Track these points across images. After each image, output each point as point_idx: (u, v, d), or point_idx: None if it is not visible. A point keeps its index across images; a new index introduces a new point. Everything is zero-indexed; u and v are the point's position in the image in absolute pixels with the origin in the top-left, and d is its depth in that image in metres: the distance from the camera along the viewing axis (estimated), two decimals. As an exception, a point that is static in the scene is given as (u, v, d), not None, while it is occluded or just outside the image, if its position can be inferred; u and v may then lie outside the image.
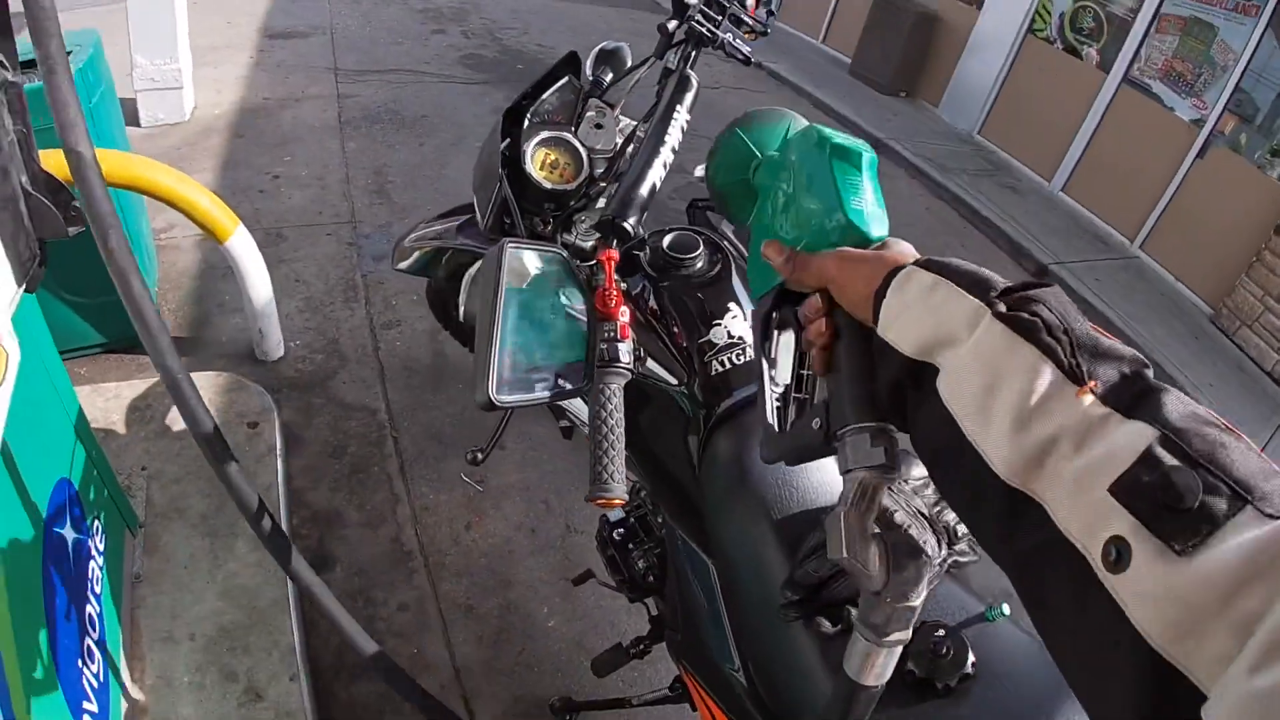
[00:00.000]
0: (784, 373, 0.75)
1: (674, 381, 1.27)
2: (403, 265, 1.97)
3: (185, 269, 3.19)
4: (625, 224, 1.08)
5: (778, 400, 0.75)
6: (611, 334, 0.93)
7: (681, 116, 1.21)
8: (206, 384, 2.47)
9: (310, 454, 2.47)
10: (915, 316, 0.58)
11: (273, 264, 2.78)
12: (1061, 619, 0.47)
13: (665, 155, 1.16)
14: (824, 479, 1.09)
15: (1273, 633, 0.35)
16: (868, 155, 0.71)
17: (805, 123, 0.83)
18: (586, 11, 8.39)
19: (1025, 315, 0.52)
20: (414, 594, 2.14)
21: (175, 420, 2.25)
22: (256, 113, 4.58)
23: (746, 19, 1.36)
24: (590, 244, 1.39)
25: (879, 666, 0.61)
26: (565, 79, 1.42)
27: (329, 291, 3.22)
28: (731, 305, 1.25)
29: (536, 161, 1.35)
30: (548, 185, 1.35)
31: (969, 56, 7.00)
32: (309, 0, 6.79)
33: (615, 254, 0.97)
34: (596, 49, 1.45)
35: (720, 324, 1.23)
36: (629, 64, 1.45)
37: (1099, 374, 0.49)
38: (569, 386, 0.93)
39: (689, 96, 1.24)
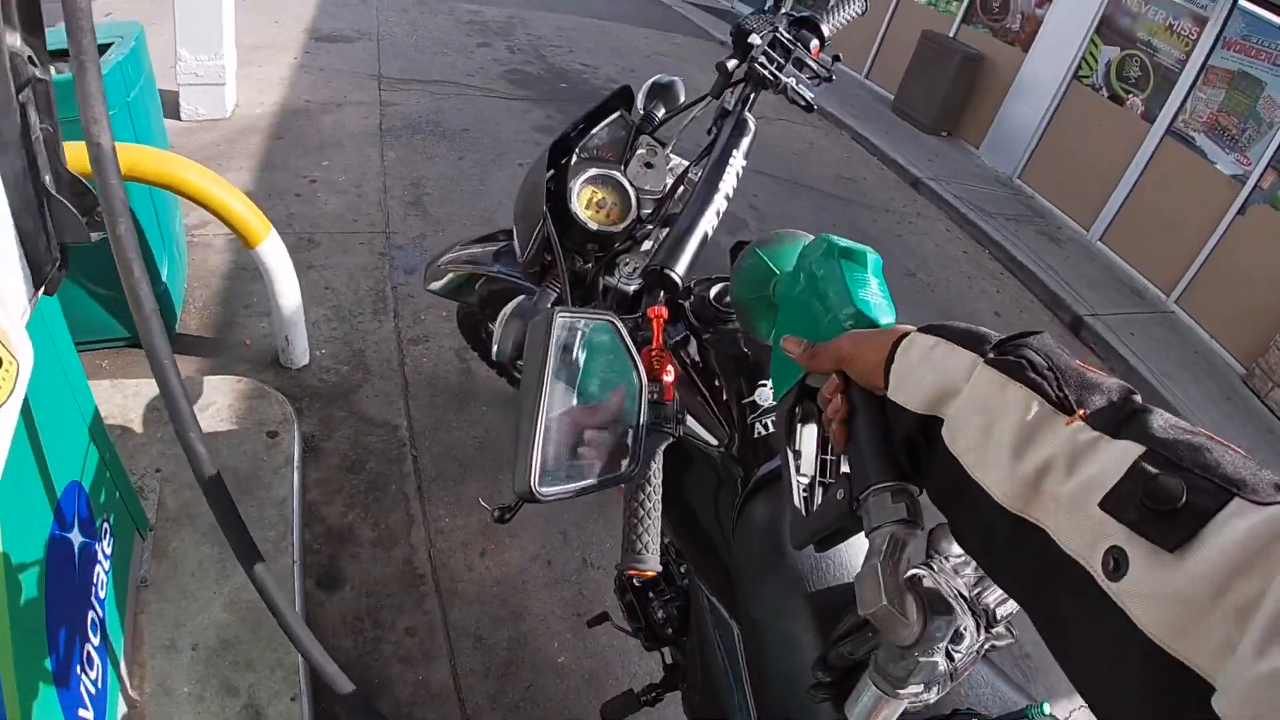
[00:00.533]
0: (808, 463, 0.79)
1: (713, 441, 1.22)
2: (434, 286, 1.94)
3: (215, 268, 3.18)
4: (673, 274, 1.03)
5: (804, 490, 0.78)
6: (656, 395, 0.88)
7: (738, 162, 1.15)
8: (227, 388, 2.45)
9: (328, 467, 2.43)
10: (919, 375, 0.63)
11: (303, 269, 2.77)
12: (1074, 636, 0.49)
13: (719, 203, 1.10)
14: (863, 554, 1.04)
15: (1273, 614, 0.36)
16: (872, 256, 0.81)
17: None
18: (630, 33, 8.44)
19: (1012, 358, 0.57)
20: (423, 619, 2.09)
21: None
22: (297, 115, 4.60)
23: (810, 63, 1.29)
24: (633, 288, 1.33)
25: (883, 719, 0.64)
26: (617, 114, 1.37)
27: (358, 302, 3.19)
28: None
29: (583, 200, 1.31)
30: (594, 226, 1.30)
31: (1013, 99, 6.96)
32: (356, 5, 6.87)
33: (665, 312, 0.93)
34: (649, 82, 1.41)
35: (766, 385, 1.18)
36: (682, 99, 1.40)
37: (1088, 403, 0.52)
38: (617, 473, 0.85)
39: (746, 141, 1.19)
